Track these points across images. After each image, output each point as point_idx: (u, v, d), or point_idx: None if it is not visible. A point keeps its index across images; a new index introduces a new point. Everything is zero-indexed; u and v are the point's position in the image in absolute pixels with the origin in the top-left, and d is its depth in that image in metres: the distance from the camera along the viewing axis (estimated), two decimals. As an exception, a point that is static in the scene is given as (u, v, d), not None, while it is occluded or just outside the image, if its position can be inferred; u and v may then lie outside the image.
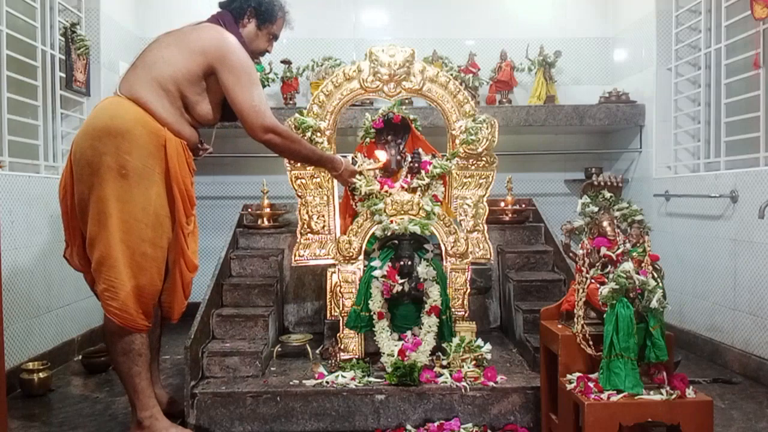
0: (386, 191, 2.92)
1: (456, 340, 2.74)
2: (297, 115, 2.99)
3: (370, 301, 2.73)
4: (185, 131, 2.37)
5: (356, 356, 2.80)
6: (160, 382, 2.69)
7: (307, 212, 3.04)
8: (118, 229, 2.19)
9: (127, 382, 2.31)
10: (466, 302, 2.89)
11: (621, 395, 1.99)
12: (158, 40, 2.41)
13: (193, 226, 2.45)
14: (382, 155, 3.03)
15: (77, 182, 2.26)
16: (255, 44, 2.60)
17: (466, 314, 2.89)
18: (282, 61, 4.50)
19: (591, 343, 2.12)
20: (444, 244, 2.86)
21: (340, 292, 2.85)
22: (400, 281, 2.73)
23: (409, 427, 2.54)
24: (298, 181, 3.03)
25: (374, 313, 2.73)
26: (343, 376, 2.64)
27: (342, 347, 2.82)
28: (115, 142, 2.19)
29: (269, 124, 2.41)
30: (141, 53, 2.40)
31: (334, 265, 2.93)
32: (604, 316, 2.06)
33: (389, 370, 2.61)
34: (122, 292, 2.20)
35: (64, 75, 3.75)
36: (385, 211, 2.78)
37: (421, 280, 2.74)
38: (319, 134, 2.96)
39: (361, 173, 2.89)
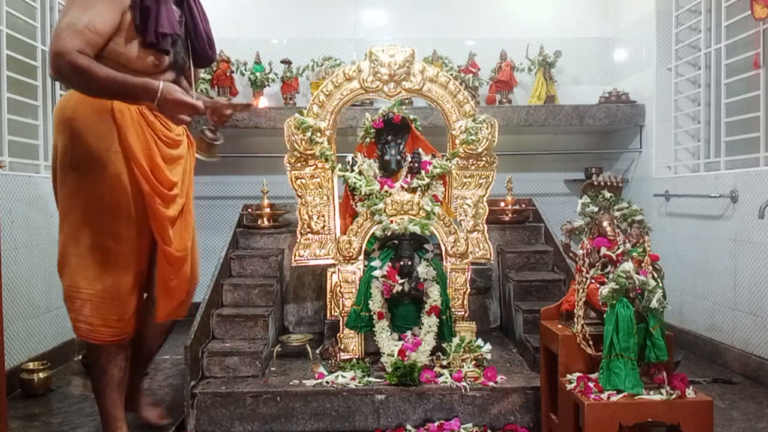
0: (386, 191, 2.92)
1: (456, 340, 2.74)
2: (297, 115, 2.99)
3: (370, 301, 2.73)
4: None
5: (356, 356, 2.80)
6: (142, 397, 2.49)
7: (307, 212, 3.04)
8: (74, 227, 1.98)
9: (96, 396, 2.14)
10: (466, 302, 2.89)
11: (621, 395, 1.99)
12: None
13: (176, 211, 2.10)
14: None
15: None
16: None
17: (466, 314, 2.89)
18: (282, 61, 4.51)
19: (591, 343, 2.12)
20: (444, 244, 2.86)
21: (340, 292, 2.85)
22: (400, 281, 2.73)
23: (409, 427, 2.54)
24: (298, 181, 3.03)
25: (374, 313, 2.73)
26: (343, 376, 2.64)
27: (342, 347, 2.82)
28: (63, 135, 2.00)
29: (54, 49, 1.85)
30: None
31: (334, 265, 2.93)
32: (604, 316, 2.06)
33: (389, 370, 2.61)
34: (78, 300, 1.98)
35: (64, 75, 3.75)
36: (385, 211, 2.78)
37: (421, 280, 2.74)
38: (319, 134, 2.97)
39: (191, 105, 2.00)
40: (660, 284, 2.07)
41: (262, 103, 4.47)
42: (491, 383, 2.59)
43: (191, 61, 2.17)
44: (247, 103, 2.38)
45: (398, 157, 3.06)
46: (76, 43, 1.83)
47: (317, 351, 3.07)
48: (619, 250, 2.15)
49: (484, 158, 3.03)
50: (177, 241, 2.08)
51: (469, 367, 2.67)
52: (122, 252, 1.99)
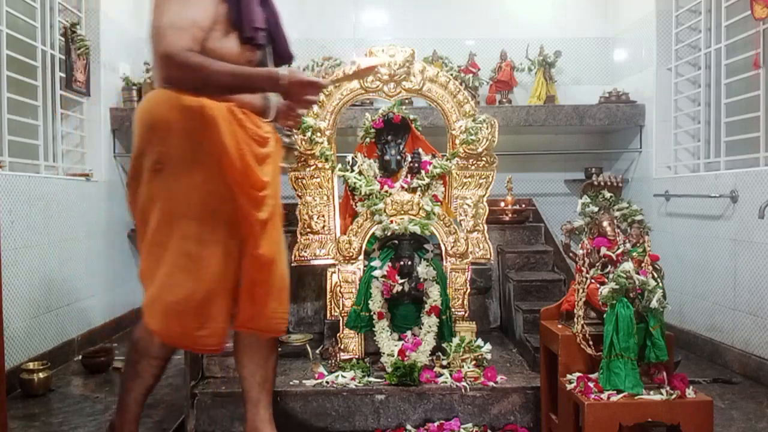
0: (386, 191, 2.92)
1: (456, 340, 2.73)
2: (297, 115, 2.99)
3: (370, 301, 2.73)
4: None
5: (356, 356, 2.80)
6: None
7: (307, 212, 3.04)
8: (157, 232, 1.84)
9: (120, 394, 2.08)
10: (466, 302, 2.89)
11: (621, 395, 1.99)
12: None
13: (266, 213, 1.92)
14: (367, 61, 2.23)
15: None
16: None
17: (466, 314, 2.89)
18: (282, 61, 4.50)
19: (591, 343, 2.12)
20: (444, 244, 2.86)
21: (340, 292, 2.85)
22: (400, 281, 2.73)
23: (409, 427, 2.54)
24: (298, 181, 3.03)
25: (374, 313, 2.73)
26: (343, 376, 2.64)
27: (342, 347, 2.81)
28: (149, 136, 1.85)
29: (162, 49, 1.73)
30: None
31: (334, 265, 2.93)
32: (604, 316, 2.06)
33: (389, 370, 2.61)
34: (158, 308, 1.84)
35: (64, 75, 3.75)
36: (385, 211, 2.78)
37: (421, 280, 2.74)
38: (319, 134, 2.96)
39: (315, 84, 1.94)
40: (660, 284, 2.07)
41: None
42: (491, 383, 2.59)
43: (272, 59, 2.08)
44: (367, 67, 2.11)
45: (398, 157, 3.06)
46: (183, 41, 1.73)
47: (317, 351, 3.07)
48: (619, 250, 2.15)
49: (484, 158, 3.03)
50: (266, 245, 1.92)
51: (469, 367, 2.67)
52: (207, 257, 1.85)
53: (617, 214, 2.24)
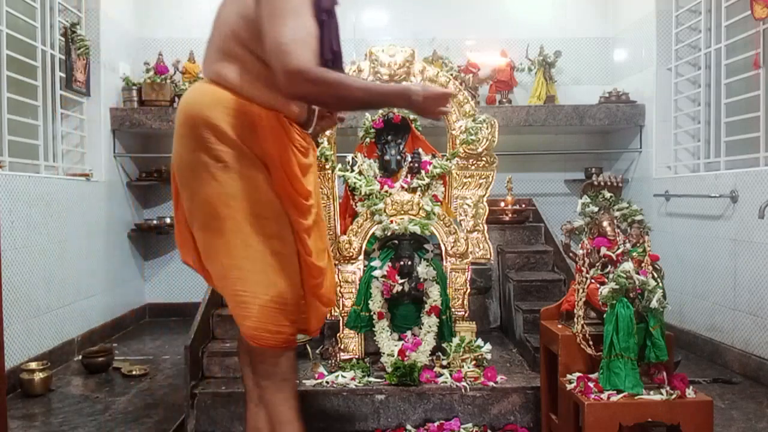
0: (386, 191, 2.92)
1: (456, 340, 2.73)
2: (297, 115, 2.99)
3: (370, 301, 2.73)
4: (278, 101, 1.85)
5: (356, 356, 2.80)
6: None
7: (307, 212, 3.03)
8: (237, 231, 1.81)
9: (270, 411, 1.92)
10: (466, 302, 2.89)
11: (621, 395, 1.99)
12: (221, 1, 1.93)
13: (313, 220, 1.95)
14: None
15: (180, 189, 1.91)
16: None
17: (466, 314, 2.89)
18: (282, 61, 4.50)
19: (591, 343, 2.12)
20: (444, 244, 2.86)
21: (340, 292, 2.85)
22: (400, 281, 2.73)
23: (409, 427, 2.54)
24: (298, 181, 3.02)
25: (374, 313, 2.73)
26: (343, 376, 2.64)
27: (342, 347, 2.81)
28: (201, 133, 1.81)
29: (294, 66, 1.67)
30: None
31: (334, 265, 2.93)
32: (604, 316, 2.06)
33: (389, 370, 2.61)
34: (255, 307, 1.81)
35: (64, 75, 3.75)
36: (385, 211, 2.78)
37: (421, 280, 2.74)
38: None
39: (447, 95, 1.94)
40: (660, 284, 2.07)
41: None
42: (491, 383, 2.59)
43: None
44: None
45: (398, 157, 3.06)
46: (308, 55, 1.69)
47: (317, 351, 3.07)
48: (619, 250, 2.15)
49: (484, 158, 3.03)
50: (315, 251, 1.96)
51: (469, 367, 2.67)
52: (289, 254, 1.87)
53: (617, 214, 2.24)
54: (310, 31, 1.74)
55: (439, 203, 2.93)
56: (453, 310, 2.83)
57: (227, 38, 1.83)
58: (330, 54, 1.84)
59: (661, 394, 1.99)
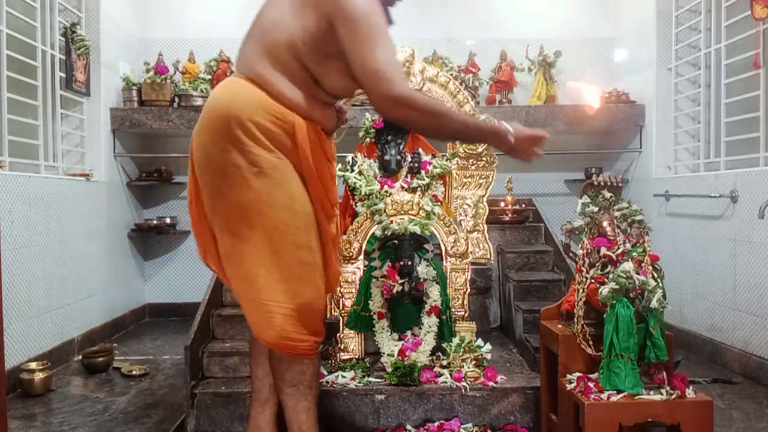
0: (386, 191, 2.91)
1: (456, 340, 2.73)
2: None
3: (370, 301, 2.73)
4: (316, 112, 1.87)
5: (356, 356, 2.80)
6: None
7: (307, 212, 3.03)
8: (266, 239, 1.78)
9: (291, 418, 1.92)
10: (466, 302, 2.88)
11: (621, 395, 1.99)
12: None
13: (336, 231, 2.00)
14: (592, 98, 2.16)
15: (202, 187, 1.86)
16: None
17: (466, 314, 2.89)
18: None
19: (591, 343, 2.12)
20: (444, 244, 2.86)
21: (340, 292, 2.85)
22: (400, 281, 2.73)
23: (409, 427, 2.54)
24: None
25: (374, 313, 2.73)
26: (343, 376, 2.64)
27: (342, 347, 2.82)
28: (237, 133, 1.76)
29: (398, 93, 1.72)
30: (256, 15, 1.91)
31: (334, 265, 2.93)
32: (604, 316, 2.06)
33: (389, 370, 2.61)
34: (279, 316, 1.79)
35: (64, 75, 3.75)
36: (385, 211, 2.78)
37: (421, 280, 2.74)
38: (319, 134, 2.96)
39: (541, 138, 1.99)
40: (660, 284, 2.07)
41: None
42: (491, 383, 2.59)
43: None
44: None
45: (398, 157, 3.06)
46: (405, 81, 1.74)
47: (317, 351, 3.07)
48: (619, 250, 2.15)
49: (484, 158, 3.03)
50: (335, 262, 2.00)
51: (469, 367, 2.67)
52: (316, 264, 1.86)
53: (617, 214, 2.24)
54: (396, 54, 1.79)
55: (439, 203, 2.93)
56: (453, 310, 2.82)
57: (280, 44, 1.79)
58: None
59: (661, 394, 1.99)
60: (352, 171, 3.05)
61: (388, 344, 2.69)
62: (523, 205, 4.07)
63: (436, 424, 2.52)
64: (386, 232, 2.77)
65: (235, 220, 1.79)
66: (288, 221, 1.79)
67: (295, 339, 1.81)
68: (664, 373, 2.05)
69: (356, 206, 3.01)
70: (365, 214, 2.84)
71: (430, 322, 2.71)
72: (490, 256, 3.04)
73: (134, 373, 3.26)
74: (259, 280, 1.79)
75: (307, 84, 1.82)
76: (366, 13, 1.72)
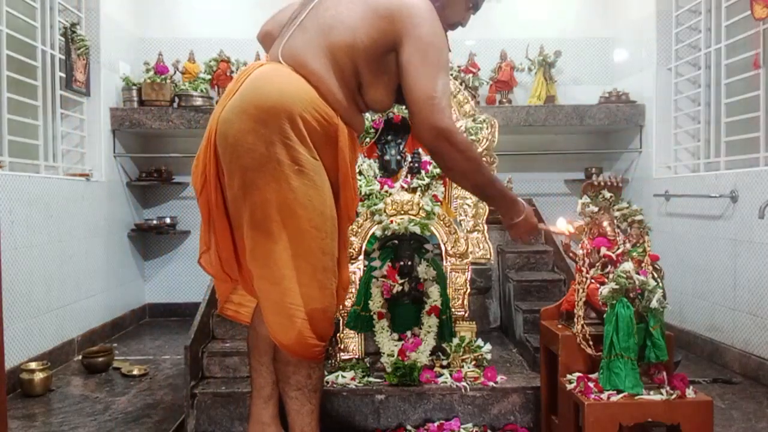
0: (386, 191, 2.92)
1: (456, 340, 2.73)
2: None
3: (370, 301, 2.73)
4: (356, 119, 1.87)
5: (356, 356, 2.80)
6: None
7: (307, 212, 3.03)
8: (295, 241, 1.74)
9: (295, 421, 1.91)
10: (466, 302, 2.88)
11: (621, 395, 1.98)
12: None
13: (349, 232, 2.01)
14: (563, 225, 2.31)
15: (229, 174, 1.77)
16: (451, 10, 1.94)
17: (466, 314, 2.89)
18: (282, 61, 4.50)
19: (591, 343, 2.12)
20: (444, 244, 2.86)
21: (340, 292, 2.85)
22: (400, 281, 2.73)
23: (409, 427, 2.54)
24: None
25: (374, 313, 2.73)
26: (343, 376, 2.64)
27: (342, 347, 2.81)
28: (286, 127, 1.70)
29: (443, 125, 1.73)
30: (311, 7, 1.85)
31: (334, 265, 2.93)
32: (604, 316, 2.06)
33: (389, 370, 2.61)
34: (299, 320, 1.77)
35: (64, 75, 3.75)
36: (385, 211, 2.78)
37: (421, 280, 2.74)
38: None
39: (539, 231, 2.17)
40: (660, 284, 2.07)
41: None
42: (491, 383, 2.59)
43: None
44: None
45: (398, 157, 3.06)
46: (452, 115, 1.75)
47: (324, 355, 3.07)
48: (619, 250, 2.15)
49: (484, 158, 3.03)
50: (346, 268, 2.01)
51: (469, 367, 2.67)
52: (334, 271, 1.85)
53: (617, 214, 2.24)
54: (450, 86, 1.82)
55: (439, 203, 2.93)
56: (453, 310, 2.82)
57: (342, 45, 1.76)
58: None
59: (661, 394, 1.99)
60: (352, 171, 3.05)
61: (388, 344, 2.69)
62: (523, 205, 4.06)
63: (436, 424, 2.52)
64: (386, 232, 2.77)
65: (266, 217, 1.73)
66: (319, 225, 1.76)
67: (310, 344, 1.80)
68: (664, 373, 2.04)
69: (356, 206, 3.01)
70: (365, 214, 2.84)
71: (430, 322, 2.71)
72: (490, 256, 3.04)
73: (134, 373, 3.26)
74: (284, 282, 1.75)
75: (352, 90, 1.81)
76: (437, 39, 1.74)
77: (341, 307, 2.83)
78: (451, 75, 3.50)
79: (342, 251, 1.92)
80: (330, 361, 2.82)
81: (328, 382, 2.61)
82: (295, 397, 1.87)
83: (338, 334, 2.84)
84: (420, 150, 3.11)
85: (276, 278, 1.75)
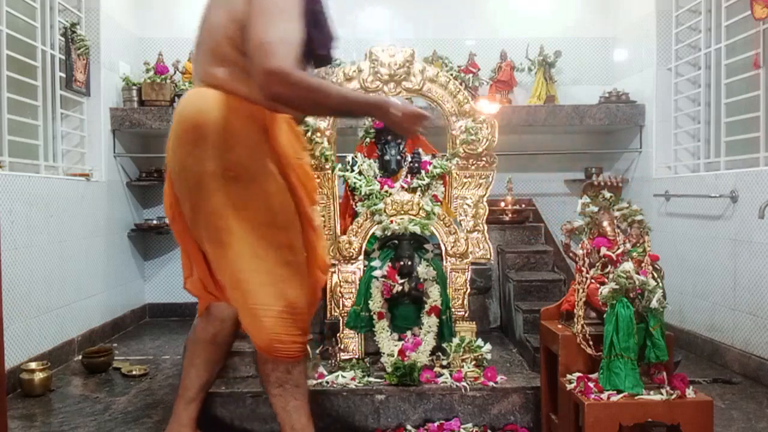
0: (386, 191, 2.92)
1: (456, 340, 2.73)
2: (297, 115, 2.99)
3: (370, 301, 2.73)
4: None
5: (356, 356, 2.80)
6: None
7: (307, 212, 3.03)
8: (245, 244, 1.78)
9: (283, 419, 1.92)
10: (466, 302, 2.89)
11: (621, 395, 1.99)
12: (206, 4, 1.89)
13: (318, 221, 2.01)
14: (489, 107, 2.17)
15: (181, 199, 1.88)
16: None
17: (466, 314, 2.89)
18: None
19: (591, 343, 2.12)
20: (444, 244, 2.86)
21: (340, 292, 2.85)
22: (400, 281, 2.73)
23: (409, 427, 2.54)
24: (298, 181, 3.02)
25: (374, 313, 2.73)
26: (343, 376, 2.64)
27: (342, 347, 2.82)
28: (211, 141, 1.77)
29: (274, 66, 1.61)
30: (200, 25, 1.90)
31: (334, 265, 2.93)
32: (604, 316, 2.06)
33: (389, 370, 2.61)
34: (267, 319, 1.80)
35: (64, 75, 3.75)
36: (385, 211, 2.78)
37: (421, 280, 2.74)
38: (318, 134, 2.96)
39: (423, 117, 1.95)
40: (660, 284, 2.07)
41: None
42: (491, 383, 2.59)
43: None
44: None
45: (398, 157, 3.06)
46: (290, 58, 1.64)
47: (317, 351, 3.07)
48: (619, 250, 2.15)
49: (484, 158, 3.03)
50: (322, 251, 2.00)
51: (469, 367, 2.67)
52: (299, 263, 1.87)
53: (617, 214, 2.24)
54: (297, 35, 1.71)
55: (439, 203, 2.93)
56: (453, 310, 2.83)
57: (221, 42, 1.79)
58: (326, 49, 1.87)
59: (661, 394, 1.99)
60: (352, 171, 3.05)
61: (388, 344, 2.69)
62: (523, 205, 4.07)
63: (436, 424, 2.52)
64: (386, 232, 2.77)
65: (215, 229, 1.80)
66: (268, 222, 1.80)
67: (286, 342, 1.82)
68: (664, 373, 2.05)
69: (356, 206, 3.01)
70: (365, 214, 2.84)
71: (430, 322, 2.71)
72: (490, 256, 3.04)
73: (134, 373, 3.26)
74: (243, 284, 1.80)
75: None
76: None
77: (342, 307, 2.83)
78: (451, 75, 3.50)
79: (312, 233, 1.93)
80: (330, 361, 2.82)
81: (328, 382, 2.62)
82: (278, 395, 1.88)
83: (338, 334, 2.84)
84: (420, 150, 3.11)
85: (235, 282, 1.81)
